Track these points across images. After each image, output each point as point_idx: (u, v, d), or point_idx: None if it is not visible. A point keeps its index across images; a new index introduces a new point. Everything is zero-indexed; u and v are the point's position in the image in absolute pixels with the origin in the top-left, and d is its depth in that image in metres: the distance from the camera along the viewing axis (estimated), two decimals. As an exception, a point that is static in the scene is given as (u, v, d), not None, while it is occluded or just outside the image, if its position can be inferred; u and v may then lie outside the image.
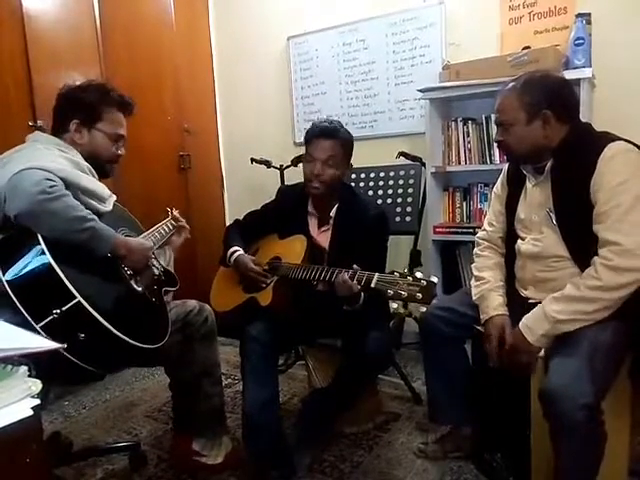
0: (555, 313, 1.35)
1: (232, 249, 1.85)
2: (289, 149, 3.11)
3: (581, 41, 2.14)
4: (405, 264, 2.53)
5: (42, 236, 1.23)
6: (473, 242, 1.81)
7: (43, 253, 1.20)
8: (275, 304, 1.72)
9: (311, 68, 3.09)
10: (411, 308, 2.55)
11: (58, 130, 1.53)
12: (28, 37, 2.33)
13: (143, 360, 1.61)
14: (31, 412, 0.61)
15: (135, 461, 1.81)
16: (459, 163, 2.48)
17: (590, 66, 2.13)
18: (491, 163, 2.38)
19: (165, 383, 1.85)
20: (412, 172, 2.47)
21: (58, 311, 1.15)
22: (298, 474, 1.69)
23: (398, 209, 2.43)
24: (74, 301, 1.18)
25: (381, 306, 1.84)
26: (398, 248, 2.49)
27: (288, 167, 2.79)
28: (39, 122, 2.25)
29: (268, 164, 2.82)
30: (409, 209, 2.41)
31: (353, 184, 2.56)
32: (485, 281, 1.61)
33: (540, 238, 1.50)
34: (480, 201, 2.50)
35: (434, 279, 1.40)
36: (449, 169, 2.49)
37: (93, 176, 1.50)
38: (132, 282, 1.45)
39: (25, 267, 1.20)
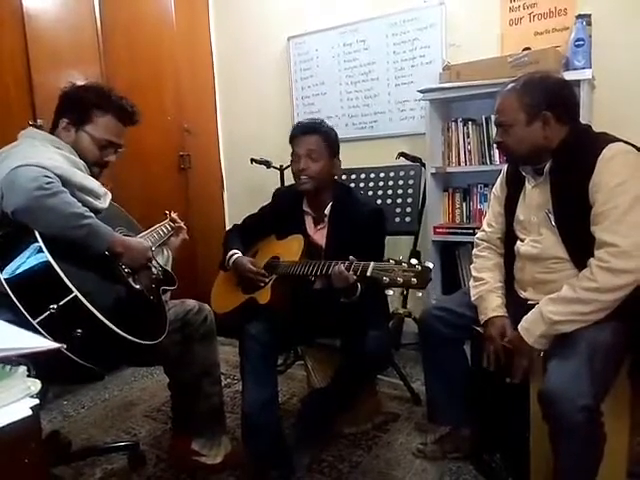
0: (551, 314, 1.35)
1: (231, 252, 1.88)
2: (289, 149, 3.09)
3: (581, 42, 2.14)
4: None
5: (39, 233, 1.23)
6: (472, 243, 1.81)
7: (40, 250, 1.20)
8: (274, 302, 1.73)
9: (311, 68, 3.09)
10: (410, 308, 2.56)
11: (53, 127, 1.53)
12: (28, 36, 2.33)
13: (142, 358, 1.60)
14: (30, 412, 0.61)
15: (134, 461, 1.81)
16: (459, 164, 2.47)
17: (590, 67, 2.13)
18: (491, 164, 2.38)
19: (164, 383, 1.85)
20: (412, 173, 2.47)
21: (55, 306, 1.15)
22: (297, 474, 1.69)
23: (398, 210, 2.43)
24: (71, 296, 1.17)
25: (380, 306, 1.85)
26: (398, 248, 2.49)
27: (288, 167, 2.78)
28: (39, 121, 2.25)
29: (268, 164, 2.82)
30: (409, 210, 2.42)
31: (353, 184, 2.57)
32: (484, 282, 1.61)
33: (539, 239, 1.50)
34: (480, 202, 2.50)
35: (429, 264, 1.40)
36: (449, 170, 2.49)
37: (88, 173, 1.50)
38: (130, 280, 1.45)
39: (22, 264, 1.20)
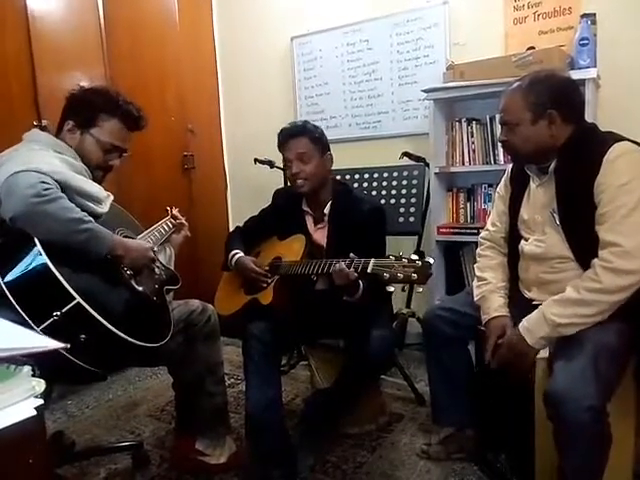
0: (554, 316, 1.34)
1: (233, 252, 1.88)
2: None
3: (586, 41, 2.13)
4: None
5: (39, 239, 1.23)
6: (476, 243, 1.80)
7: (40, 256, 1.20)
8: (276, 303, 1.73)
9: (315, 68, 3.08)
10: (414, 308, 2.55)
11: (58, 129, 1.53)
12: (32, 37, 2.33)
13: (146, 360, 1.61)
14: (34, 412, 0.61)
15: (138, 461, 1.81)
16: (463, 164, 2.47)
17: (595, 66, 2.12)
18: (495, 164, 2.37)
19: (168, 382, 1.85)
20: (416, 173, 2.47)
21: (58, 313, 1.15)
22: (301, 475, 1.69)
23: (401, 210, 2.43)
24: (73, 302, 1.17)
25: (384, 306, 1.85)
26: (401, 249, 2.45)
27: (291, 167, 2.78)
28: (44, 122, 2.26)
29: (271, 164, 2.82)
30: (412, 210, 2.41)
31: (357, 185, 2.56)
32: (487, 282, 1.60)
33: (543, 239, 1.49)
34: (484, 202, 2.49)
35: (429, 259, 1.40)
36: (453, 170, 2.48)
37: (89, 178, 1.49)
38: (132, 282, 1.45)
39: (23, 270, 1.20)
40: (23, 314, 1.13)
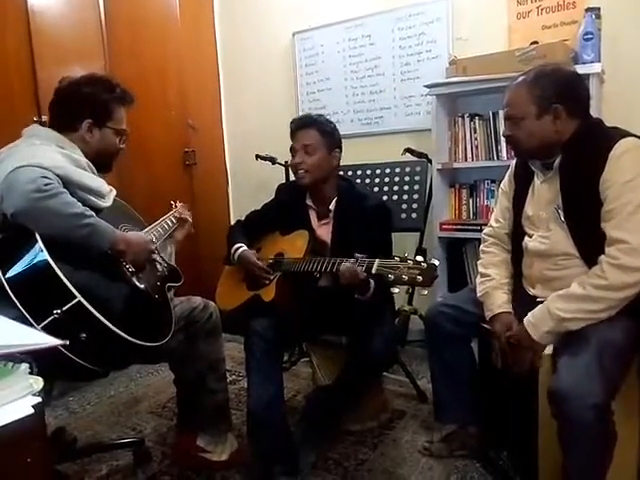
0: (559, 311, 1.33)
1: (236, 246, 1.86)
2: (294, 145, 3.09)
3: (590, 36, 2.11)
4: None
5: (40, 234, 1.22)
6: (479, 239, 1.79)
7: (41, 252, 1.19)
8: (278, 299, 1.72)
9: (316, 64, 3.06)
10: (416, 305, 2.54)
11: (66, 128, 1.49)
12: (33, 32, 2.32)
13: (147, 357, 1.60)
14: (32, 410, 0.60)
15: (139, 457, 1.81)
16: (465, 159, 2.45)
17: (599, 61, 2.10)
18: (498, 159, 2.36)
19: (170, 379, 1.84)
20: (418, 169, 2.45)
21: (59, 311, 1.14)
22: (302, 472, 1.68)
23: (404, 206, 2.41)
24: (74, 301, 1.16)
25: (387, 303, 1.83)
26: (403, 245, 2.46)
27: (293, 163, 2.77)
28: (44, 117, 2.24)
29: (273, 160, 2.81)
30: (415, 206, 2.40)
31: (358, 181, 2.55)
32: (490, 278, 1.59)
33: (548, 235, 1.47)
34: (487, 198, 2.48)
35: (435, 261, 1.39)
36: (455, 166, 2.47)
37: (92, 172, 1.48)
38: (134, 279, 1.44)
39: (24, 267, 1.19)
40: (24, 311, 1.12)
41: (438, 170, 2.45)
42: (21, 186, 1.20)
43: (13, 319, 1.04)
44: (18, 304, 1.12)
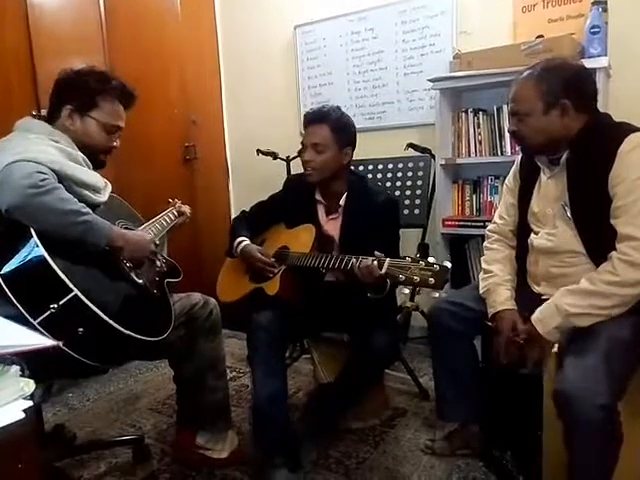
0: (568, 306, 1.31)
1: (239, 239, 1.83)
2: (296, 140, 3.03)
3: (597, 29, 2.07)
4: (413, 258, 2.49)
5: (36, 229, 1.20)
6: (483, 236, 1.77)
7: (37, 247, 1.17)
8: (282, 294, 1.70)
9: (318, 58, 3.03)
10: (418, 301, 2.52)
11: (52, 116, 1.48)
12: (31, 26, 2.29)
13: (146, 353, 1.58)
14: (23, 415, 0.57)
15: (138, 455, 1.79)
16: (469, 155, 2.42)
17: (606, 55, 2.06)
18: (502, 155, 2.33)
19: (169, 375, 1.82)
20: (421, 164, 2.42)
21: (55, 305, 1.12)
22: (304, 470, 1.66)
23: (407, 202, 2.39)
24: (71, 295, 1.15)
25: (389, 300, 1.81)
26: (406, 241, 2.43)
27: (295, 158, 2.74)
28: (42, 111, 2.21)
29: (274, 155, 2.78)
30: (418, 202, 2.37)
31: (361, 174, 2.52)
32: (493, 274, 1.57)
33: (554, 232, 1.45)
34: (490, 194, 2.45)
35: (447, 264, 1.36)
36: (459, 161, 2.44)
37: (87, 166, 1.46)
38: (132, 274, 1.42)
39: (20, 262, 1.17)
40: (19, 307, 1.10)
41: (441, 165, 2.42)
42: (16, 181, 1.18)
43: (9, 315, 1.02)
44: (14, 300, 1.10)
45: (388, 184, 2.46)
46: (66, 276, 1.16)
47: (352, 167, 2.52)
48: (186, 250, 2.75)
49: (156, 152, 2.88)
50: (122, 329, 1.20)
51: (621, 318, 1.28)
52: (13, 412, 0.58)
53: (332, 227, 1.81)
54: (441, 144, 2.42)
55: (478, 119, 2.39)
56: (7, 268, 1.16)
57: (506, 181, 1.69)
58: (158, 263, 1.58)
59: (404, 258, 1.41)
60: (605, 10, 2.13)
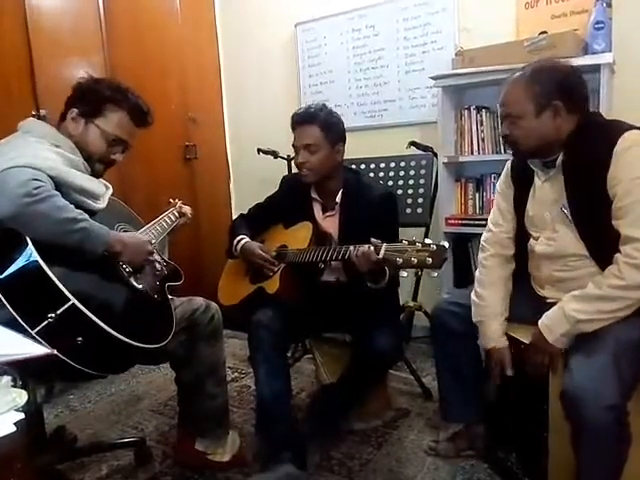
0: (575, 313, 1.29)
1: (238, 237, 1.83)
2: (297, 139, 3.04)
3: (601, 25, 2.05)
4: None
5: (31, 238, 1.18)
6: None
7: (32, 254, 1.15)
8: (282, 292, 1.69)
9: (319, 56, 3.01)
10: (421, 301, 2.50)
11: (61, 118, 1.47)
12: (30, 25, 2.27)
13: (147, 359, 1.56)
14: (14, 428, 0.54)
15: (140, 457, 1.78)
16: (472, 153, 2.41)
17: (610, 51, 2.04)
18: (505, 153, 2.30)
19: (171, 376, 1.80)
20: (423, 162, 2.40)
21: (53, 315, 1.10)
22: (308, 470, 1.64)
23: (409, 200, 2.37)
24: (68, 304, 1.12)
25: (392, 300, 1.80)
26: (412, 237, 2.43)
27: (295, 157, 2.73)
28: (42, 111, 2.21)
29: (275, 154, 2.76)
30: (420, 200, 2.35)
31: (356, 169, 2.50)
32: (486, 305, 1.54)
33: (554, 237, 1.43)
34: (493, 192, 2.38)
35: (444, 243, 1.36)
36: (461, 159, 2.42)
37: (87, 172, 1.44)
38: (131, 279, 1.40)
39: (15, 271, 1.15)
40: (16, 316, 1.08)
41: (444, 164, 2.40)
42: (10, 190, 1.15)
43: (6, 324, 1.01)
44: (10, 309, 1.08)
45: (390, 183, 2.44)
46: (63, 284, 1.14)
47: (353, 165, 2.53)
48: (187, 252, 2.74)
49: (156, 152, 2.85)
50: (122, 337, 1.18)
51: (628, 319, 1.26)
52: (4, 425, 0.55)
53: (329, 224, 1.81)
54: (443, 142, 2.41)
55: (481, 117, 2.37)
56: (3, 276, 1.13)
57: (497, 187, 1.66)
58: (158, 266, 1.55)
59: (400, 241, 1.40)
60: (609, 5, 2.11)
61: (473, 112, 2.39)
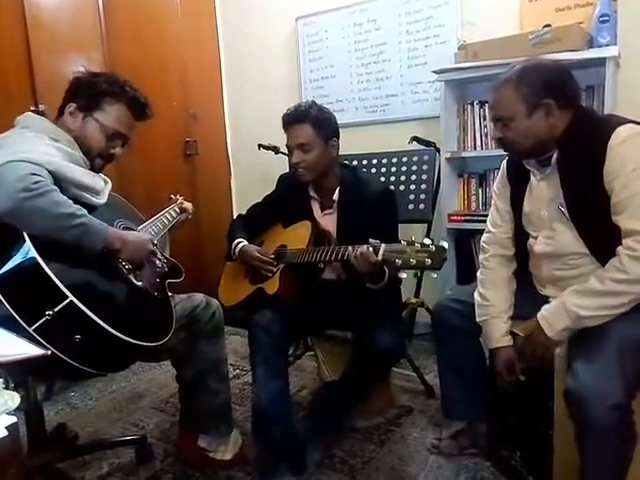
0: (577, 308, 1.28)
1: (236, 241, 1.83)
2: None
3: (606, 18, 2.03)
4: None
5: (29, 233, 1.16)
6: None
7: (30, 251, 1.13)
8: (282, 292, 1.68)
9: (320, 50, 2.98)
10: (423, 297, 2.49)
11: (59, 113, 1.45)
12: (28, 20, 2.25)
13: (147, 356, 1.55)
14: (6, 432, 0.53)
15: (141, 455, 1.77)
16: (475, 148, 2.39)
17: (615, 44, 2.01)
18: (506, 152, 2.28)
19: (172, 373, 1.79)
20: (426, 158, 2.38)
21: (51, 312, 1.09)
22: (308, 470, 1.64)
23: (411, 196, 2.35)
24: (66, 301, 1.11)
25: (394, 297, 1.78)
26: (411, 237, 2.41)
27: (297, 153, 2.71)
28: (41, 106, 2.19)
29: (276, 150, 2.74)
30: (422, 196, 2.33)
31: (364, 170, 2.48)
32: (489, 304, 1.52)
33: (552, 235, 1.41)
34: (496, 188, 2.40)
35: (443, 243, 1.34)
36: (464, 154, 2.40)
37: (87, 167, 1.42)
38: (131, 276, 1.38)
39: (12, 267, 1.13)
40: (14, 314, 1.07)
41: (446, 159, 2.38)
42: (7, 184, 1.13)
43: (3, 321, 0.99)
44: (8, 306, 1.07)
45: (392, 178, 2.42)
46: (61, 281, 1.12)
47: (355, 161, 2.52)
48: (188, 248, 2.72)
49: (157, 148, 2.84)
50: (120, 335, 1.17)
51: (632, 315, 1.24)
52: (-5, 430, 0.54)
53: (328, 222, 1.79)
54: (446, 137, 2.38)
55: (484, 111, 2.35)
56: (0, 273, 1.12)
57: (494, 188, 1.65)
58: (159, 263, 1.54)
59: (399, 242, 1.39)
60: (614, -2, 2.07)
61: (476, 107, 2.37)
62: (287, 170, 2.65)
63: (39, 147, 1.28)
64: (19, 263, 1.14)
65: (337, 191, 1.76)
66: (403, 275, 1.42)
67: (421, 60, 2.66)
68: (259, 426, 1.64)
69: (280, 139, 2.76)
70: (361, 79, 2.87)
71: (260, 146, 2.76)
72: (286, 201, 1.86)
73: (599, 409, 1.12)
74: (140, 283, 1.40)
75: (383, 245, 1.41)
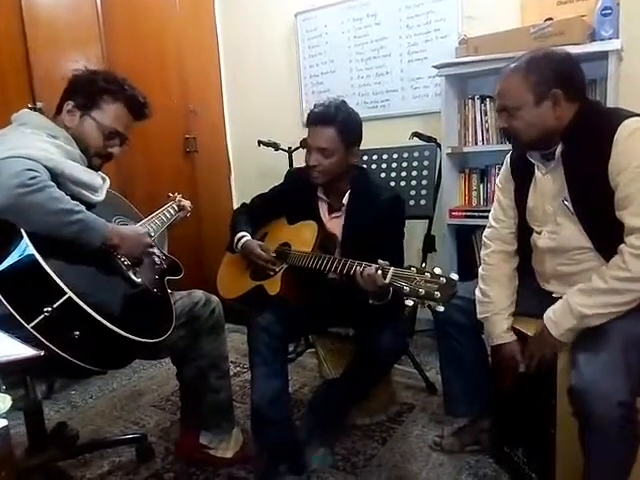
0: (581, 307, 1.26)
1: (239, 234, 1.79)
2: (297, 130, 2.98)
3: (608, 11, 2.01)
4: (419, 249, 2.44)
5: (26, 230, 1.15)
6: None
7: (28, 247, 1.12)
8: (284, 294, 1.66)
9: (320, 45, 2.96)
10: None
11: (57, 110, 1.44)
12: (25, 16, 2.24)
13: (147, 353, 1.54)
14: None
15: (142, 453, 1.76)
16: (476, 143, 2.36)
17: (618, 37, 1.99)
18: (510, 143, 2.25)
19: (173, 371, 1.79)
20: (426, 153, 2.36)
21: (49, 309, 1.08)
22: (309, 468, 1.63)
23: (412, 192, 2.33)
24: (65, 297, 1.10)
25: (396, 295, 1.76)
26: (412, 233, 2.40)
27: (297, 149, 2.69)
28: (38, 104, 2.17)
29: (276, 146, 2.73)
30: (423, 192, 2.32)
31: (365, 166, 2.46)
32: (490, 301, 1.51)
33: (556, 230, 1.39)
34: (498, 183, 2.38)
35: (454, 276, 1.28)
36: (465, 150, 2.38)
37: (85, 165, 1.40)
38: (130, 273, 1.37)
39: (10, 264, 1.12)
40: (12, 311, 1.06)
41: (447, 154, 2.36)
42: (4, 180, 1.12)
43: (2, 319, 0.98)
44: (6, 303, 1.06)
45: (393, 174, 2.40)
46: (60, 278, 1.11)
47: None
48: (187, 245, 2.71)
49: (156, 144, 2.82)
50: (120, 331, 1.16)
51: (635, 312, 1.23)
52: (-14, 433, 0.52)
53: (335, 225, 1.75)
54: (447, 132, 2.36)
55: (485, 106, 2.33)
56: None
57: (497, 182, 1.63)
58: (157, 260, 1.53)
59: (409, 268, 1.33)
60: (617, -9, 2.05)
61: (477, 102, 2.34)
62: (287, 166, 2.65)
63: (37, 143, 1.27)
64: (17, 260, 1.13)
65: (347, 195, 1.73)
66: (409, 303, 1.34)
67: (421, 55, 2.64)
68: (257, 427, 1.63)
69: (280, 135, 2.77)
70: (361, 74, 2.85)
71: (260, 142, 2.74)
72: (293, 197, 1.82)
73: (604, 406, 1.11)
74: (139, 279, 1.39)
75: (392, 269, 1.36)
